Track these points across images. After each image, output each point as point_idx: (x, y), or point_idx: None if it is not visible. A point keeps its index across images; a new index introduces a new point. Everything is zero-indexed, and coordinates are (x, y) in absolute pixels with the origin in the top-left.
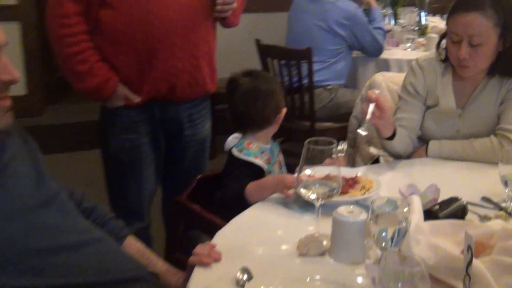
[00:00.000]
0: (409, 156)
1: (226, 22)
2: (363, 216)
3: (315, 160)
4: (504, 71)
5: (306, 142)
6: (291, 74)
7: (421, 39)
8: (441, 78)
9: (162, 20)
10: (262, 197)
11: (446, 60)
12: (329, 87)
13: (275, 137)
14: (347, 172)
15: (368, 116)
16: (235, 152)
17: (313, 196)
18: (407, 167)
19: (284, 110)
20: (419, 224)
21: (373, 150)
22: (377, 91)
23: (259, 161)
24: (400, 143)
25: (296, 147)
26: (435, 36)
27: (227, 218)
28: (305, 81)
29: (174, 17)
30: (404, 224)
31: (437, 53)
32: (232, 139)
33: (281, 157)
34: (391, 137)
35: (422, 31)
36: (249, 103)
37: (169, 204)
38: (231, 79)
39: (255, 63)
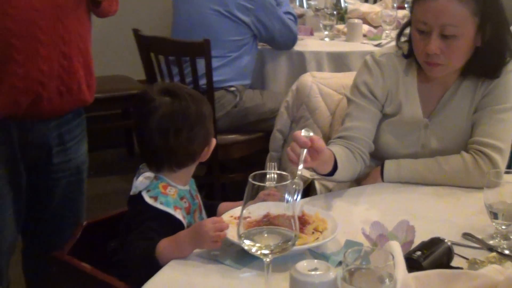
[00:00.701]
0: (358, 181)
1: (101, 10)
2: (331, 273)
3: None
4: (481, 71)
5: (250, 176)
6: (183, 74)
7: (341, 26)
8: (403, 79)
9: (19, 8)
10: (178, 257)
11: (409, 56)
12: (232, 88)
13: None
14: (283, 207)
15: (301, 166)
16: (147, 199)
17: (265, 251)
18: (357, 197)
19: (214, 142)
20: (406, 281)
21: (304, 172)
22: (308, 133)
23: (179, 215)
24: (346, 172)
25: None
26: (358, 22)
27: (131, 279)
28: (202, 81)
29: (36, 5)
30: (388, 283)
31: (397, 46)
32: (143, 180)
33: (199, 199)
34: (332, 171)
35: (342, 15)
36: (169, 135)
37: (32, 260)
38: (143, 99)
39: (136, 61)
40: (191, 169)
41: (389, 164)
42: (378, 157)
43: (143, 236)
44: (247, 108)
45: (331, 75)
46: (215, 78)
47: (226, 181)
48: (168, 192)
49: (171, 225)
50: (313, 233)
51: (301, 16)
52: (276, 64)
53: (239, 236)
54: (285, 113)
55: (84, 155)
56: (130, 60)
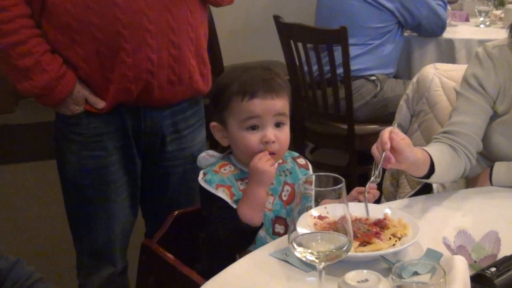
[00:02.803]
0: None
1: None
2: (381, 286)
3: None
4: None
5: (300, 181)
6: (321, 62)
7: (498, 12)
8: None
9: None
10: (262, 206)
11: None
12: (373, 78)
13: (299, 145)
14: (373, 210)
15: (379, 168)
16: (200, 179)
17: (310, 257)
18: (463, 201)
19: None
20: None
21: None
22: (395, 126)
23: (221, 192)
24: (446, 174)
25: (329, 157)
26: None
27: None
28: (340, 70)
29: None
30: None
31: (510, 38)
32: (205, 157)
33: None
34: (429, 174)
35: (500, 1)
36: None
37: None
38: (230, 74)
39: (275, 50)
40: None
41: (498, 167)
42: (490, 159)
43: (218, 222)
44: (387, 98)
45: (456, 67)
46: (355, 67)
47: (363, 173)
48: (221, 170)
49: (216, 204)
50: (390, 239)
51: (454, 1)
52: (424, 52)
53: (289, 240)
54: (405, 106)
55: (201, 143)
56: (271, 47)
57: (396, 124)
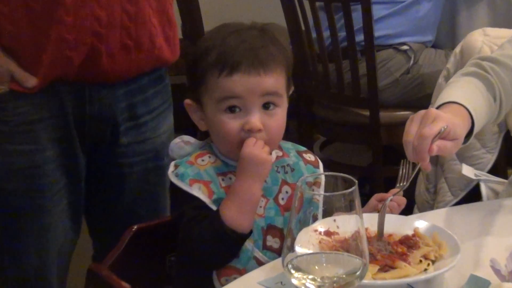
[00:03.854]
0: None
1: None
2: None
3: (331, 209)
4: None
5: (301, 180)
6: (334, 26)
7: None
8: None
9: None
10: (253, 205)
11: None
12: (404, 47)
13: (305, 137)
14: (399, 224)
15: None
16: (169, 172)
17: (311, 285)
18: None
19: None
20: None
21: (467, 171)
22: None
23: (196, 190)
24: (482, 120)
25: (345, 154)
26: None
27: None
28: (360, 37)
29: None
30: None
31: None
32: (178, 144)
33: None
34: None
35: None
36: None
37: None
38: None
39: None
40: None
41: None
42: None
43: (193, 225)
44: (424, 74)
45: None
46: (380, 32)
47: (391, 175)
48: (198, 161)
49: (190, 205)
50: (421, 261)
51: None
52: (472, 14)
53: (284, 263)
54: (445, 85)
55: (167, 134)
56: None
57: (444, 128)
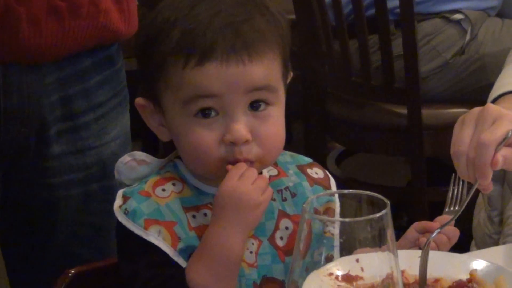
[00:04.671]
0: None
1: None
2: None
3: (353, 243)
4: None
5: (307, 206)
6: None
7: None
8: None
9: None
10: (234, 263)
11: None
12: (458, 16)
13: (316, 146)
14: (449, 263)
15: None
16: (116, 207)
17: None
18: None
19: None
20: None
21: None
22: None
23: (153, 234)
24: None
25: (374, 169)
26: None
27: None
28: (394, 2)
29: None
30: None
31: None
32: (130, 163)
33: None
34: None
35: None
36: None
37: None
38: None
39: None
40: None
41: None
42: None
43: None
44: (487, 55)
45: None
46: None
47: (437, 199)
48: (157, 192)
49: (145, 257)
50: None
51: None
52: None
53: None
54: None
55: (119, 141)
56: None
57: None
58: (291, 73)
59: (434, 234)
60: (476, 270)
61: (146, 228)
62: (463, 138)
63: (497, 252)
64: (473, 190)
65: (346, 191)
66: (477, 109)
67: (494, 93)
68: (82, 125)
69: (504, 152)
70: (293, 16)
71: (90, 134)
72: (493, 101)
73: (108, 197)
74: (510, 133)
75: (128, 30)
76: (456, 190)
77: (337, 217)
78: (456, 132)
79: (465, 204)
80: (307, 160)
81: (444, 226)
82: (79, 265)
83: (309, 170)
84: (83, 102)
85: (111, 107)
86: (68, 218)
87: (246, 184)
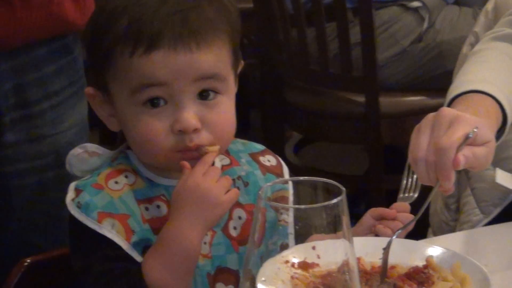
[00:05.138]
0: None
1: None
2: None
3: (308, 231)
4: None
5: (262, 193)
6: None
7: None
8: None
9: None
10: (191, 259)
11: None
12: (415, 3)
13: (274, 135)
14: (405, 250)
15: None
16: (68, 201)
17: None
18: None
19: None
20: None
21: (504, 179)
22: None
23: (107, 228)
24: None
25: (332, 157)
26: None
27: None
28: None
29: None
30: None
31: None
32: (81, 155)
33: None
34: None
35: None
36: None
37: None
38: None
39: None
40: None
41: None
42: None
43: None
44: (444, 43)
45: None
46: None
47: (395, 187)
48: (110, 184)
49: (99, 251)
50: None
51: None
52: None
53: None
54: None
55: (74, 131)
56: None
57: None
58: (242, 62)
59: (394, 236)
60: (432, 256)
61: (99, 221)
62: (420, 144)
63: (454, 239)
64: (433, 193)
65: (301, 178)
66: (431, 115)
67: (453, 92)
68: (37, 114)
69: (465, 151)
70: (251, 5)
71: (45, 122)
72: (453, 100)
73: (63, 186)
74: (471, 134)
75: (83, 20)
76: (411, 176)
77: (291, 204)
78: (413, 139)
79: (424, 208)
80: (260, 147)
81: (405, 227)
82: (33, 255)
83: (261, 158)
84: (38, 91)
85: (67, 96)
86: (23, 207)
87: (210, 182)
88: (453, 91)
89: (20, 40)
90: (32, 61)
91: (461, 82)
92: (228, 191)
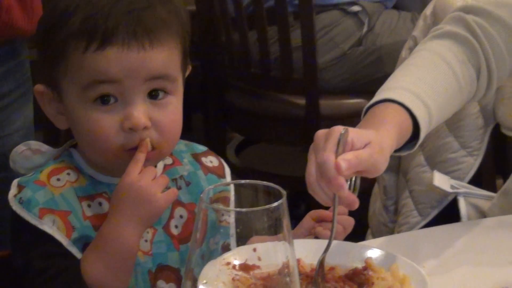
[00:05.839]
0: None
1: None
2: None
3: (249, 233)
4: None
5: (204, 195)
6: None
7: None
8: None
9: None
10: (129, 257)
11: None
12: (355, 8)
13: (216, 136)
14: (344, 252)
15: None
16: (10, 197)
17: None
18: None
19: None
20: None
21: (441, 181)
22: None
23: (48, 224)
24: (445, 108)
25: (273, 159)
26: None
27: None
28: None
29: None
30: None
31: None
32: (25, 153)
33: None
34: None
35: None
36: None
37: None
38: None
39: None
40: None
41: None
42: None
43: (45, 282)
44: (383, 47)
45: None
46: None
47: None
48: (52, 181)
49: (39, 247)
50: None
51: None
52: None
53: None
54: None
55: (21, 133)
56: None
57: (341, 134)
58: (190, 66)
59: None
60: (371, 258)
61: (40, 217)
62: (309, 171)
63: (392, 241)
64: (336, 209)
65: (243, 181)
66: (312, 144)
67: (374, 98)
68: None
69: (346, 156)
70: (193, 7)
71: None
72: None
73: (9, 188)
74: (340, 137)
75: (31, 27)
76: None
77: (232, 205)
78: (306, 169)
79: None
80: (202, 148)
81: (327, 248)
82: None
83: (203, 159)
84: None
85: (14, 98)
86: None
87: (146, 179)
88: (376, 96)
89: None
90: None
91: (381, 90)
92: (166, 190)
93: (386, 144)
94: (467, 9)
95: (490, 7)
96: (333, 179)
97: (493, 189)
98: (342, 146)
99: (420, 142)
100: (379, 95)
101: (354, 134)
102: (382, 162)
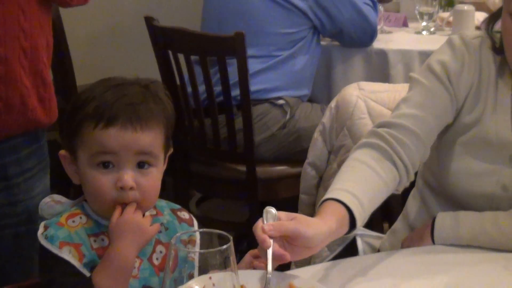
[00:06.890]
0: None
1: None
2: None
3: (207, 266)
4: None
5: (174, 239)
6: (210, 80)
7: (445, 14)
8: (495, 79)
9: None
10: (127, 270)
11: (501, 52)
12: (280, 101)
13: (182, 194)
14: (275, 280)
15: (270, 268)
16: (39, 234)
17: None
18: (399, 267)
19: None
20: None
21: None
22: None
23: (66, 252)
24: (374, 203)
25: (222, 210)
26: (468, 9)
27: None
28: (236, 91)
29: None
30: None
31: (488, 35)
32: (49, 204)
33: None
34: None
35: (448, 0)
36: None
37: None
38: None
39: (149, 64)
40: None
41: (442, 219)
42: (444, 196)
43: None
44: (301, 129)
45: (388, 87)
46: (256, 86)
47: None
48: (68, 223)
49: (59, 269)
50: None
51: (388, 0)
52: (348, 67)
53: None
54: (320, 140)
55: (41, 196)
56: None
57: (269, 211)
58: (171, 149)
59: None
60: (293, 282)
61: (60, 248)
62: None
63: (310, 270)
64: (270, 254)
65: (202, 230)
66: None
67: (325, 195)
68: (15, 185)
69: (270, 222)
70: None
71: (20, 191)
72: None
73: (32, 236)
74: (264, 211)
75: (49, 120)
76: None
77: (197, 246)
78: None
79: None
80: (177, 206)
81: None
82: (11, 284)
83: (178, 213)
84: (15, 169)
85: (36, 171)
86: (1, 252)
87: (139, 216)
88: (326, 194)
89: (3, 135)
90: (11, 147)
91: (331, 190)
92: (151, 225)
93: (316, 223)
94: (378, 125)
95: (393, 119)
96: (262, 241)
97: (382, 231)
98: (272, 219)
99: (358, 225)
100: (329, 194)
101: (281, 214)
102: (310, 234)
